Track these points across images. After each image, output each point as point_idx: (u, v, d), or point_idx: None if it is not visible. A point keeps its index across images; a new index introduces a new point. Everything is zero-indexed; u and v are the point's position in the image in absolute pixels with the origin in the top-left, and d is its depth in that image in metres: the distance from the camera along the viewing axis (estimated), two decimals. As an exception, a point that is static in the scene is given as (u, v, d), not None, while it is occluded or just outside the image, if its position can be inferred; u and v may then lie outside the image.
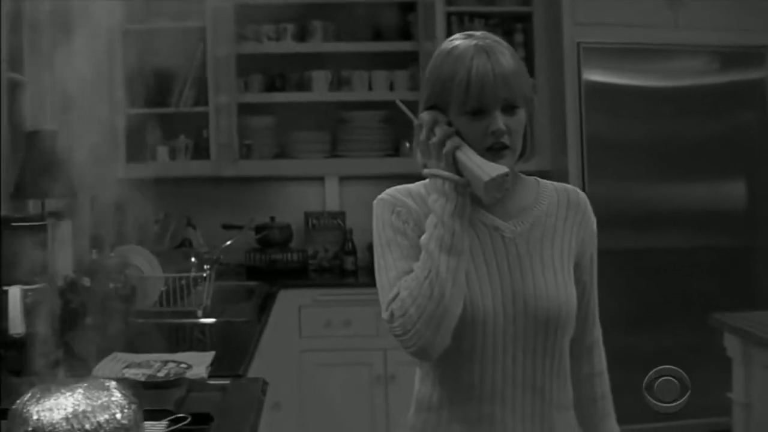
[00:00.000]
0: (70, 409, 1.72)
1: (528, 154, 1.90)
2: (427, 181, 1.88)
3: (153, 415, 2.07)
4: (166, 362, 2.67)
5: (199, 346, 3.24)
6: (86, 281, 3.35)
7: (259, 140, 5.13)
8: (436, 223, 1.78)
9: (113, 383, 1.81)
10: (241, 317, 3.77)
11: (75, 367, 2.62)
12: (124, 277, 3.53)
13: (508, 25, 4.98)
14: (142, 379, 2.52)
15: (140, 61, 4.32)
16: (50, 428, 1.71)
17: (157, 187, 4.13)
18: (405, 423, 2.00)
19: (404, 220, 1.86)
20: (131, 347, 2.90)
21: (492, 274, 1.85)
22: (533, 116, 1.88)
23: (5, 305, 2.59)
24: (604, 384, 2.02)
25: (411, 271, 1.79)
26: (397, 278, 1.80)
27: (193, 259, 3.95)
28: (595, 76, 4.79)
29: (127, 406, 1.77)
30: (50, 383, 1.80)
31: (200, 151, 5.03)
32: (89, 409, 1.72)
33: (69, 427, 1.71)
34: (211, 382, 2.59)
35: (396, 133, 5.11)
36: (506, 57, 1.81)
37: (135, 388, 2.37)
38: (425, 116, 1.85)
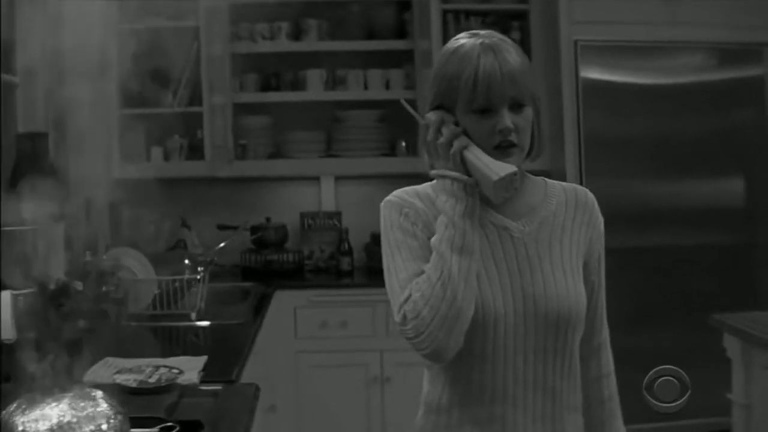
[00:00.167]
0: (55, 420, 1.71)
1: (536, 153, 1.89)
2: (434, 182, 1.88)
3: (142, 422, 2.05)
4: (157, 367, 2.65)
5: (192, 350, 3.22)
6: (78, 285, 3.32)
7: (254, 140, 5.11)
8: (447, 224, 1.78)
9: (99, 393, 1.79)
10: (236, 319, 3.74)
11: (66, 373, 2.60)
12: (116, 280, 3.50)
13: (504, 23, 4.94)
14: (133, 384, 2.51)
15: (134, 60, 4.29)
16: (35, 439, 1.69)
17: (152, 187, 4.10)
18: (413, 425, 1.99)
19: (413, 222, 1.86)
20: (124, 352, 2.88)
21: (502, 275, 1.84)
22: (540, 114, 1.88)
23: (-5, 310, 2.57)
24: (611, 386, 2.02)
25: (422, 272, 1.79)
26: (408, 280, 1.79)
27: (186, 262, 3.92)
28: (592, 73, 4.77)
29: (113, 416, 1.76)
30: (36, 393, 1.78)
31: (195, 151, 5.00)
32: (74, 420, 1.71)
33: (54, 437, 1.69)
34: (203, 387, 2.58)
35: (392, 132, 5.09)
36: (513, 55, 1.81)
37: (125, 395, 2.36)
38: (432, 116, 1.85)
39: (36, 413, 1.71)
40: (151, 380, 2.54)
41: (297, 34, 5.12)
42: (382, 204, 1.91)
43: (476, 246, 1.78)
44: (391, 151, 5.12)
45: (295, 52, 5.10)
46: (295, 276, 5.03)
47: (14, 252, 2.87)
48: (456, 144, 1.80)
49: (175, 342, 3.53)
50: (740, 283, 4.87)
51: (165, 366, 2.66)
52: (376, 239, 5.09)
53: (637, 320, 4.70)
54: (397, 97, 5.31)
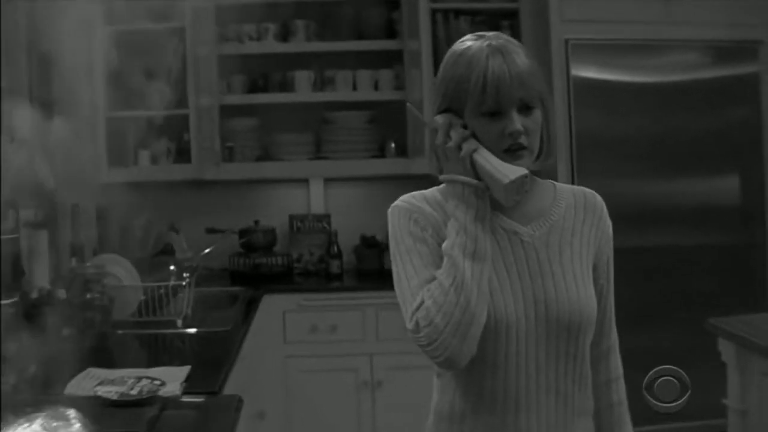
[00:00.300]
0: (26, 442, 1.65)
1: (545, 155, 1.87)
2: (441, 186, 1.87)
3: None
4: (139, 378, 2.60)
5: (177, 358, 3.17)
6: (62, 293, 3.27)
7: (241, 142, 5.05)
8: (458, 230, 1.77)
9: (73, 412, 1.74)
10: (223, 326, 3.68)
11: (47, 385, 2.55)
12: (101, 287, 3.44)
13: (494, 22, 4.88)
14: (114, 397, 2.47)
15: (120, 62, 4.23)
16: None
17: (139, 191, 4.05)
18: None
19: (422, 227, 1.84)
20: (107, 361, 2.84)
21: (513, 281, 1.83)
22: (549, 116, 1.86)
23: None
24: (620, 390, 2.00)
25: (433, 278, 1.77)
26: (420, 287, 1.77)
27: (172, 267, 3.85)
28: (584, 72, 4.72)
29: (86, 436, 1.69)
30: (8, 413, 1.72)
31: (182, 154, 4.94)
32: (46, 440, 1.65)
33: (25, 459, 1.64)
34: (186, 399, 2.53)
35: (381, 133, 5.03)
36: (521, 56, 1.80)
37: (106, 407, 2.30)
38: (439, 119, 1.83)
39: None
40: (133, 392, 2.49)
41: (285, 35, 5.06)
42: (390, 210, 1.89)
43: (488, 251, 1.77)
44: (381, 153, 5.05)
45: (282, 53, 5.04)
46: (284, 279, 4.98)
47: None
48: (465, 147, 1.79)
49: (160, 350, 3.48)
50: (739, 281, 4.84)
51: (147, 377, 2.61)
52: (365, 242, 5.05)
53: (637, 320, 4.66)
54: (387, 97, 5.28)
